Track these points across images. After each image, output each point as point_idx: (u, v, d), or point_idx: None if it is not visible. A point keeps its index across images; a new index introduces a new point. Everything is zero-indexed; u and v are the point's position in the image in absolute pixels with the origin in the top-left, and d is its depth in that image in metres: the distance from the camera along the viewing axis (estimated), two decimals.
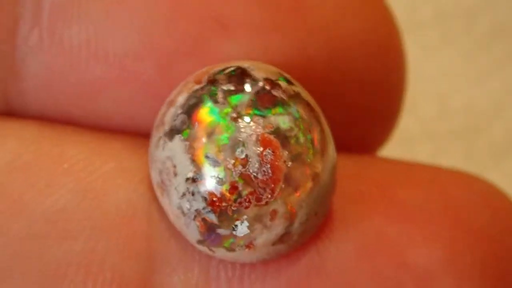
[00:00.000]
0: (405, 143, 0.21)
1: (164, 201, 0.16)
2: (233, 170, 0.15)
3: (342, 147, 0.18)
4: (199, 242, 0.16)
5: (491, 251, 0.17)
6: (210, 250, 0.16)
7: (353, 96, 0.18)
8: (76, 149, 0.17)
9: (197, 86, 0.16)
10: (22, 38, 0.17)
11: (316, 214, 0.16)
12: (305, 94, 0.16)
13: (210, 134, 0.15)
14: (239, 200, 0.15)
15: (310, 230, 0.16)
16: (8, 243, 0.16)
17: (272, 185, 0.15)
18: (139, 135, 0.18)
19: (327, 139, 0.16)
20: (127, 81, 0.17)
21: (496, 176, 0.26)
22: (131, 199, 0.17)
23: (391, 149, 0.21)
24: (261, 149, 0.15)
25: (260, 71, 0.16)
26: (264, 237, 0.15)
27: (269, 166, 0.15)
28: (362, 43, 0.18)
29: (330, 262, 0.17)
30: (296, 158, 0.15)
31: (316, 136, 0.16)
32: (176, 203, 0.16)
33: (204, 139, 0.15)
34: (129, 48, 0.17)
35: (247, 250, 0.16)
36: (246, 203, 0.15)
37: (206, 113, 0.16)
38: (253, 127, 0.15)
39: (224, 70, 0.16)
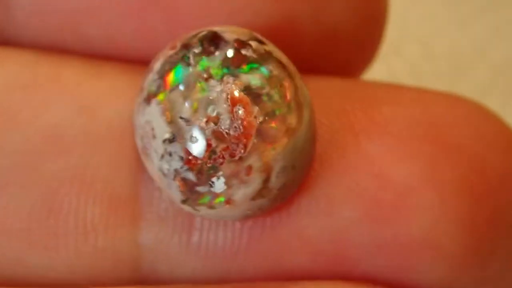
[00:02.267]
0: (390, 82, 0.21)
1: (148, 165, 0.17)
2: (205, 128, 0.16)
3: (323, 70, 0.18)
4: (183, 202, 0.16)
5: (472, 166, 0.17)
6: (194, 209, 0.16)
7: (335, 20, 0.18)
8: (72, 70, 0.18)
9: (171, 52, 0.16)
10: None
11: (294, 167, 0.16)
12: (277, 53, 0.16)
13: (183, 96, 0.16)
14: (213, 156, 0.16)
15: (290, 184, 0.16)
16: (5, 156, 0.17)
17: (245, 140, 0.16)
18: (128, 60, 0.18)
19: (301, 95, 0.16)
20: (110, 6, 0.18)
21: None
22: (122, 115, 0.17)
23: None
24: (232, 106, 0.16)
25: (231, 33, 0.16)
26: (241, 192, 0.16)
27: (240, 122, 0.16)
28: None
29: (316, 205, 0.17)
30: (268, 114, 0.16)
31: (288, 92, 0.16)
32: (157, 165, 0.16)
33: (177, 101, 0.16)
34: None
35: (227, 206, 0.16)
36: (220, 160, 0.16)
37: (178, 76, 0.16)
38: (223, 86, 0.16)
39: (196, 34, 0.16)
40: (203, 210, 0.16)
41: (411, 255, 0.17)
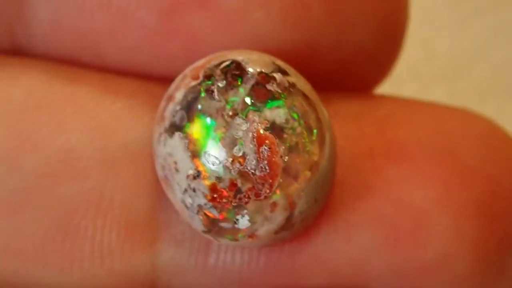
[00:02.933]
0: (391, 83, 0.21)
1: (169, 194, 0.17)
2: (231, 167, 0.16)
3: (340, 86, 0.18)
4: (204, 232, 0.16)
5: (487, 190, 0.18)
6: (215, 239, 0.16)
7: (355, 42, 0.18)
8: (87, 89, 0.18)
9: (194, 82, 0.16)
10: None
11: (316, 200, 0.16)
12: (300, 83, 0.16)
13: (208, 132, 0.16)
14: (238, 196, 0.16)
15: (312, 215, 0.17)
16: (21, 179, 0.17)
17: (270, 181, 0.16)
18: (145, 80, 0.18)
19: (324, 126, 0.16)
20: (130, 29, 0.17)
21: None
22: (139, 138, 0.17)
23: (378, 89, 0.22)
24: (258, 146, 0.16)
25: (254, 64, 0.16)
26: (265, 228, 0.16)
27: (266, 162, 0.16)
28: None
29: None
30: (293, 149, 0.16)
31: (312, 124, 0.16)
32: (179, 198, 0.16)
33: (202, 137, 0.16)
34: None
35: (250, 239, 0.16)
36: (246, 199, 0.16)
37: (203, 110, 0.16)
38: (249, 124, 0.16)
39: (219, 64, 0.16)
40: (225, 241, 0.16)
41: (425, 279, 0.17)
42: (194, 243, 0.17)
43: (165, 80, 0.18)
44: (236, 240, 0.16)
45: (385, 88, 0.22)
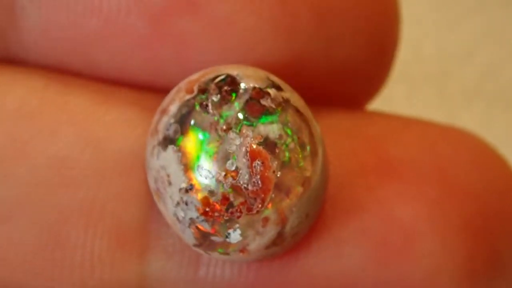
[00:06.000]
0: None
1: (160, 207, 0.17)
2: (224, 182, 0.16)
3: (331, 101, 0.18)
4: (195, 246, 0.16)
5: (476, 208, 0.18)
6: (206, 252, 0.17)
7: (345, 55, 0.19)
8: (80, 98, 0.18)
9: (188, 96, 0.16)
10: None
11: (308, 216, 0.16)
12: (294, 99, 0.16)
13: (201, 146, 0.16)
14: (230, 210, 0.16)
15: (303, 231, 0.17)
16: (13, 187, 0.17)
17: (263, 195, 0.16)
18: (137, 88, 0.18)
19: (316, 142, 0.16)
20: (121, 35, 0.18)
21: (468, 116, 0.27)
22: (132, 149, 0.17)
23: None
24: (251, 160, 0.16)
25: (249, 79, 0.16)
26: (257, 243, 0.16)
27: (259, 177, 0.16)
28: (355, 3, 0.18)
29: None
30: (285, 165, 0.16)
31: (305, 140, 0.16)
32: (171, 211, 0.16)
33: (195, 151, 0.16)
34: (121, 3, 0.17)
35: (241, 254, 0.16)
36: (238, 213, 0.16)
37: (197, 124, 0.16)
38: (243, 139, 0.16)
39: (214, 79, 0.16)
40: (216, 255, 0.16)
41: None
42: (184, 256, 0.17)
43: (157, 88, 0.18)
44: (227, 254, 0.16)
45: None
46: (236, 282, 0.17)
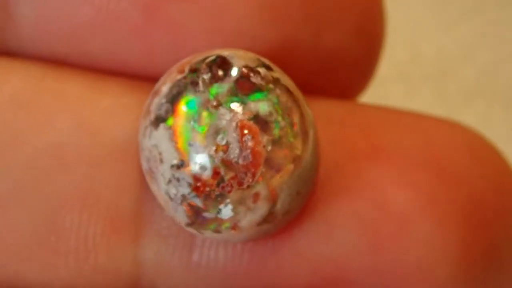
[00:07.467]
0: (379, 84, 0.22)
1: (153, 187, 0.17)
2: (215, 156, 0.16)
3: (322, 91, 0.18)
4: (188, 224, 0.17)
5: (470, 199, 0.18)
6: (199, 232, 0.17)
7: (334, 44, 0.19)
8: (75, 86, 0.18)
9: (179, 76, 0.17)
10: None
11: (299, 193, 0.17)
12: (284, 79, 0.17)
13: (192, 122, 0.16)
14: (221, 184, 0.16)
15: (294, 209, 0.17)
16: (8, 174, 0.17)
17: (253, 170, 0.16)
18: (132, 77, 0.18)
19: (307, 122, 0.17)
20: (114, 23, 0.18)
21: (467, 117, 0.27)
22: (126, 136, 0.18)
23: (365, 90, 0.22)
24: (241, 135, 0.16)
25: (239, 59, 0.16)
26: (248, 219, 0.16)
27: (249, 151, 0.16)
28: None
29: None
30: (276, 142, 0.16)
31: (295, 119, 0.16)
32: (163, 189, 0.16)
33: (187, 127, 0.16)
34: None
35: (233, 231, 0.16)
36: (229, 188, 0.16)
37: (188, 102, 0.16)
38: (233, 114, 0.16)
39: (205, 59, 0.17)
40: (208, 234, 0.17)
41: (406, 283, 0.17)
42: (178, 239, 0.18)
43: (152, 78, 0.18)
44: (219, 232, 0.16)
45: (372, 89, 0.22)
46: (230, 266, 0.18)
